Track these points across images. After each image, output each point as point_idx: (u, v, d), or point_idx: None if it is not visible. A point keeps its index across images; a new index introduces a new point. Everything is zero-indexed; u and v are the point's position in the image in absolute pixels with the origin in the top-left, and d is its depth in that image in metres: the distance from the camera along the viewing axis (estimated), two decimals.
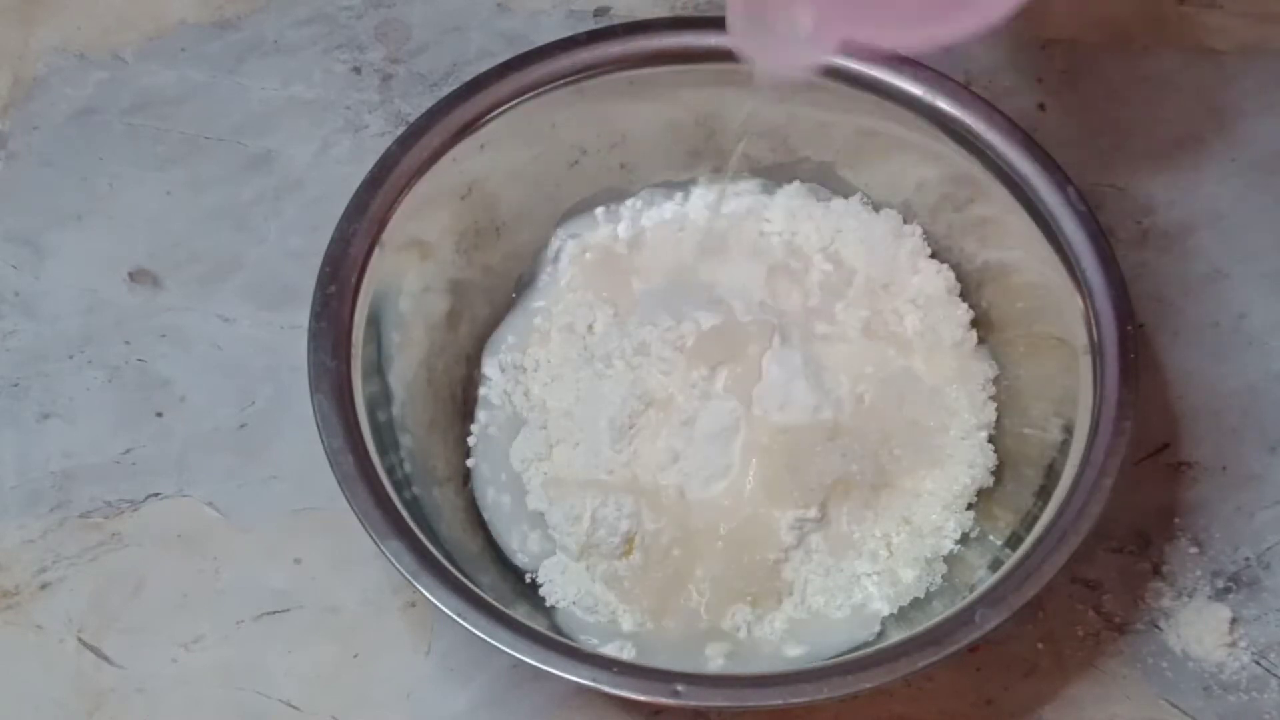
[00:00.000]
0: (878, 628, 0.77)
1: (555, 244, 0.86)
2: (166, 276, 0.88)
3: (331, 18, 0.97)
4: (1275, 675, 0.78)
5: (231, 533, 0.82)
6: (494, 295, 0.85)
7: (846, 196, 0.86)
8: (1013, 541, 0.75)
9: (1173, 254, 0.89)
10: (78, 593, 0.80)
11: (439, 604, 0.69)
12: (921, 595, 0.77)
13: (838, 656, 0.73)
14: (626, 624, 0.77)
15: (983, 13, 0.68)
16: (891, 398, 0.80)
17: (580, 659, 0.68)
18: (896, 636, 0.71)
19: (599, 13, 0.97)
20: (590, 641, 0.76)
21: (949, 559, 0.78)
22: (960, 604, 0.69)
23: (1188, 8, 0.97)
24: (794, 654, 0.76)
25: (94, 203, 0.91)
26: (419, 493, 0.76)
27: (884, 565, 0.78)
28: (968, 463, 0.79)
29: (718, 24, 0.84)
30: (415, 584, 0.69)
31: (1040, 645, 0.78)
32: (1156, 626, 0.79)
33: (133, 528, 0.82)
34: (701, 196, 0.87)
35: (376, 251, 0.77)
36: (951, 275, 0.83)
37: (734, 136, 0.84)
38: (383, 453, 0.74)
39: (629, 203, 0.87)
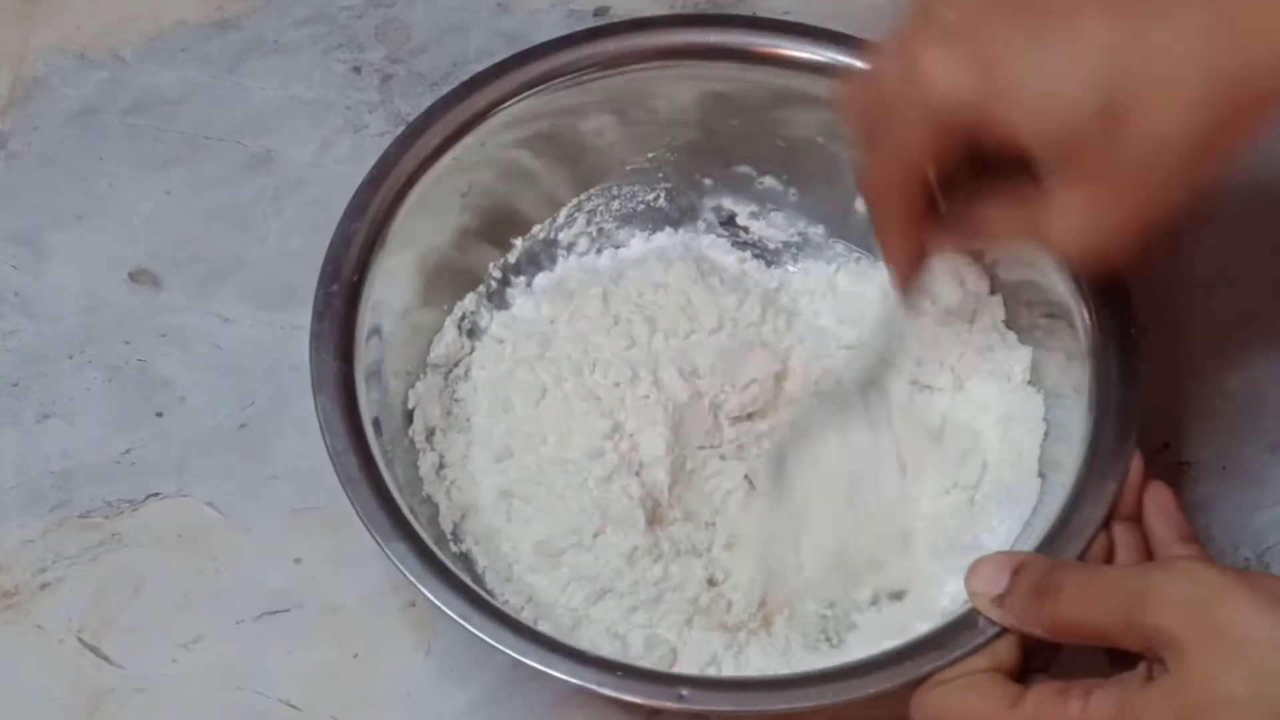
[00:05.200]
0: None
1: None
2: (166, 276, 0.88)
3: (331, 18, 0.97)
4: None
5: (231, 533, 0.81)
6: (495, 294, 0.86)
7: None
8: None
9: (1173, 254, 0.89)
10: (78, 593, 0.80)
11: (442, 606, 0.68)
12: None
13: None
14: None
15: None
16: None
17: (582, 661, 0.68)
18: None
19: (599, 12, 0.97)
20: None
21: None
22: (964, 608, 0.69)
23: None
24: None
25: (94, 203, 0.91)
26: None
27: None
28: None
29: (718, 21, 0.85)
30: (419, 586, 0.69)
31: None
32: None
33: (133, 528, 0.82)
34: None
35: (378, 250, 0.77)
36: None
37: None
38: (384, 453, 0.74)
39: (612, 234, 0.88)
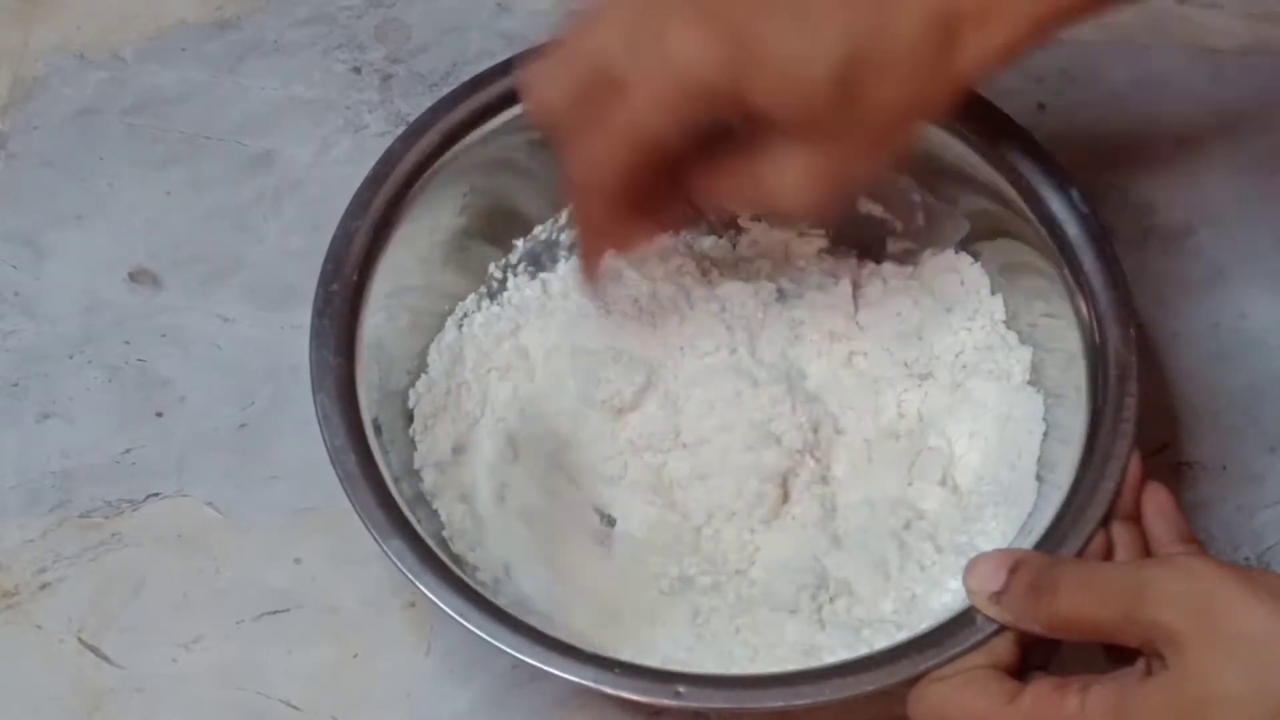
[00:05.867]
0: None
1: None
2: (166, 276, 0.88)
3: (331, 18, 0.97)
4: None
5: (231, 533, 0.82)
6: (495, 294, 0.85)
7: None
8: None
9: (1173, 254, 0.89)
10: (78, 593, 0.80)
11: (441, 604, 0.68)
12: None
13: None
14: None
15: None
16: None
17: (582, 659, 0.68)
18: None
19: None
20: None
21: None
22: (962, 606, 0.69)
23: (1188, 8, 0.97)
24: None
25: (94, 203, 0.91)
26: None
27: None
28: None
29: None
30: (417, 583, 0.69)
31: None
32: None
33: (133, 528, 0.82)
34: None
35: (379, 249, 0.77)
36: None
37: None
38: (384, 452, 0.74)
39: None
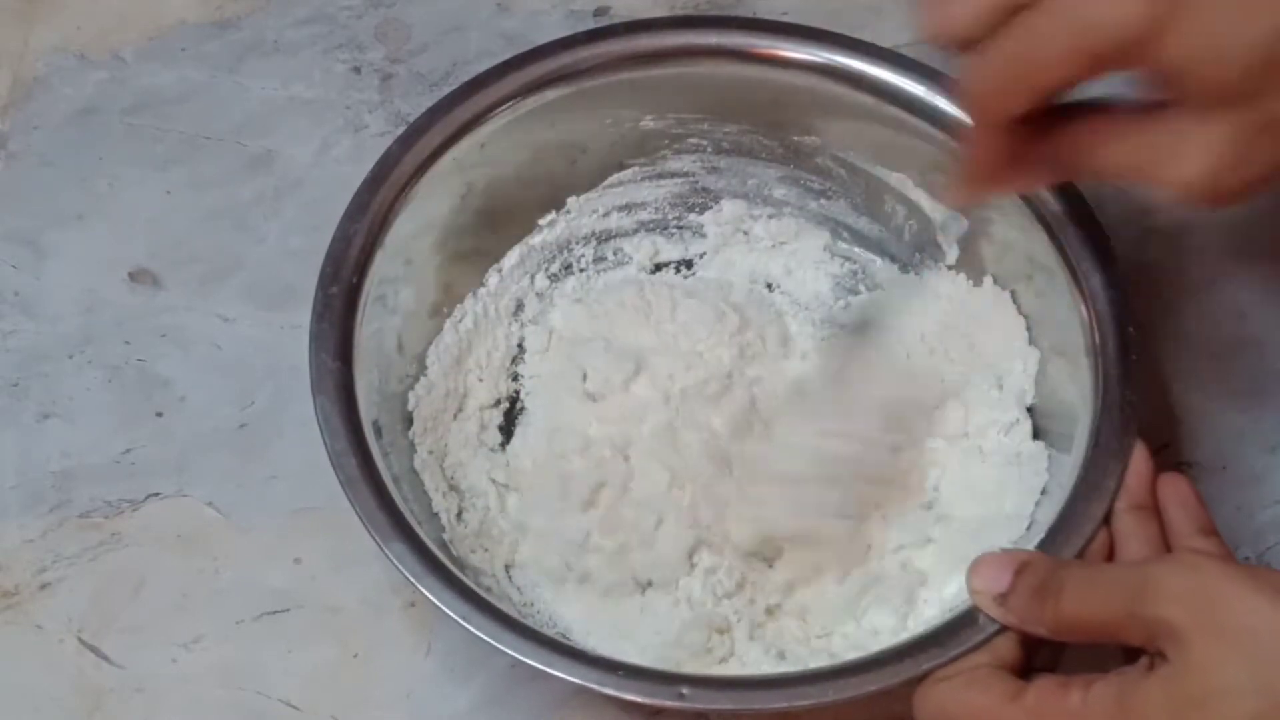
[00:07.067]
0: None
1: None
2: (166, 276, 0.88)
3: (331, 18, 0.97)
4: None
5: (231, 533, 0.81)
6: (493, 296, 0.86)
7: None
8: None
9: (1173, 254, 0.89)
10: (78, 593, 0.80)
11: (443, 606, 0.68)
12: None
13: None
14: None
15: None
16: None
17: (583, 660, 0.68)
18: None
19: (599, 13, 0.97)
20: None
21: None
22: (963, 605, 0.69)
23: None
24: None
25: (94, 203, 0.91)
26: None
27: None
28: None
29: (717, 23, 0.85)
30: (419, 586, 0.69)
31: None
32: None
33: (133, 528, 0.82)
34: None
35: (378, 251, 0.77)
36: None
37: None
38: (384, 454, 0.74)
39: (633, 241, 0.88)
